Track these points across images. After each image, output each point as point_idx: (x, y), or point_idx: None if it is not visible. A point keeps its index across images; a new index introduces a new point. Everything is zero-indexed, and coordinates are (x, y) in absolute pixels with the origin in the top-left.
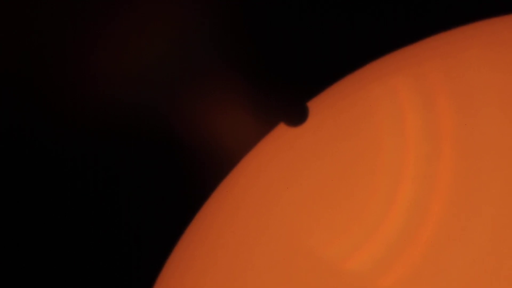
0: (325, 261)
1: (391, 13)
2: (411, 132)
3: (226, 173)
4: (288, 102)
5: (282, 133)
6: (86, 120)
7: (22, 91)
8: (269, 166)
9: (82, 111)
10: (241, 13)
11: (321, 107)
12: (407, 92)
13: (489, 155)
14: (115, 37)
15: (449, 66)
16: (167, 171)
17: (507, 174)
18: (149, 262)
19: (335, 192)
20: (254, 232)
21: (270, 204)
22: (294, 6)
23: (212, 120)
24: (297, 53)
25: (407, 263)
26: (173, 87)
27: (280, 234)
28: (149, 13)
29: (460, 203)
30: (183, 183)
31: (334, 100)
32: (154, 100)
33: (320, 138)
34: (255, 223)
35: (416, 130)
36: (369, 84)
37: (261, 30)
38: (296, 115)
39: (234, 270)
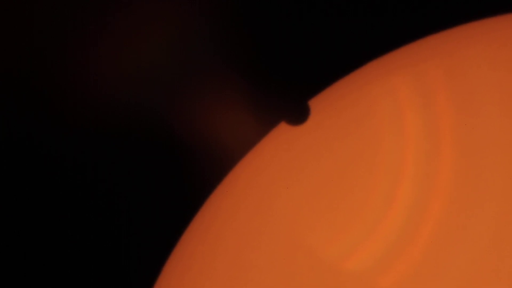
0: (325, 260)
1: (391, 12)
2: (411, 131)
3: (226, 172)
4: (289, 101)
5: (283, 132)
6: (85, 120)
7: (22, 92)
8: (270, 165)
9: (82, 111)
10: (241, 12)
11: (322, 106)
12: (407, 91)
13: (488, 154)
14: (115, 37)
15: (449, 65)
16: (167, 170)
17: (507, 172)
18: (149, 262)
19: (335, 191)
20: (254, 231)
21: (270, 203)
22: (295, 5)
23: (212, 120)
24: (298, 52)
25: (407, 261)
26: (173, 86)
27: (280, 233)
28: (149, 13)
29: (460, 202)
30: (183, 182)
31: (335, 99)
32: (154, 100)
33: (321, 137)
34: (255, 223)
35: (416, 129)
36: (370, 83)
37: (261, 29)
38: (297, 114)
39: (234, 269)
